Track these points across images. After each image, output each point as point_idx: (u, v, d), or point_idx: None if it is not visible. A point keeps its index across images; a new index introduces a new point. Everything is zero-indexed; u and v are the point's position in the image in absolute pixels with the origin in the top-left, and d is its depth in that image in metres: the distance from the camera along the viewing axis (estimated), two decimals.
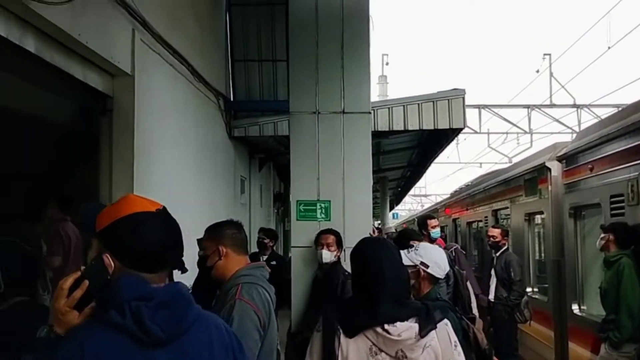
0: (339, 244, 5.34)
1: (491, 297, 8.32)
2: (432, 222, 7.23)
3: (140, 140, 6.66)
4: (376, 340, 2.36)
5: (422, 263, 3.31)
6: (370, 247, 2.61)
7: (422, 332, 2.37)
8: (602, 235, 5.72)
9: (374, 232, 5.77)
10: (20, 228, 2.73)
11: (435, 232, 7.13)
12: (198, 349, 1.73)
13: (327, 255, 5.30)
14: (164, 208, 1.87)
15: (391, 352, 2.35)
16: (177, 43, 8.01)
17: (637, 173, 5.69)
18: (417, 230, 7.02)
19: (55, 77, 5.71)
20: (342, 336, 2.39)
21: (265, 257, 7.92)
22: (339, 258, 5.33)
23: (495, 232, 8.53)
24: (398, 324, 2.36)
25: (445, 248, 6.98)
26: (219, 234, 3.13)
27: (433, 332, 2.39)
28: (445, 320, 2.50)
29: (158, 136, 7.36)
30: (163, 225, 1.82)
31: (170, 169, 7.86)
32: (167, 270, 1.84)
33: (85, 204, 2.81)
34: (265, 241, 7.66)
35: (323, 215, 5.60)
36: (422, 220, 7.38)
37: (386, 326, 2.35)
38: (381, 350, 2.36)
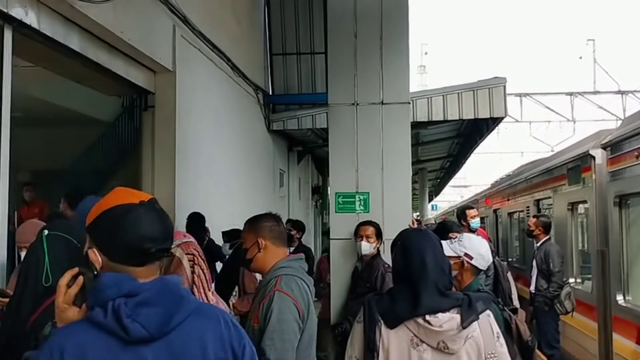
0: (379, 235, 5.33)
1: (532, 288, 8.21)
2: (472, 212, 7.14)
3: (182, 135, 6.78)
4: (417, 331, 2.37)
5: (466, 254, 3.28)
6: (412, 238, 2.61)
7: (465, 323, 2.35)
8: None
9: (413, 223, 5.73)
10: (70, 224, 2.78)
11: (475, 223, 7.04)
12: (187, 345, 1.69)
13: (367, 247, 5.30)
14: (151, 200, 1.80)
15: (433, 344, 2.35)
16: (217, 38, 8.11)
17: None
18: (456, 221, 6.96)
19: (99, 74, 5.85)
20: (383, 327, 2.40)
21: (292, 249, 7.95)
22: (378, 250, 5.31)
23: (531, 222, 8.39)
24: (440, 314, 2.35)
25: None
26: (258, 227, 3.13)
27: (475, 323, 2.38)
28: (488, 312, 2.49)
29: (198, 131, 7.48)
30: (147, 217, 1.75)
31: (210, 163, 7.98)
32: (156, 264, 1.78)
33: (83, 199, 2.87)
34: (292, 232, 7.68)
35: (362, 207, 5.59)
36: (462, 210, 7.30)
37: (427, 317, 2.35)
38: (422, 342, 2.36)
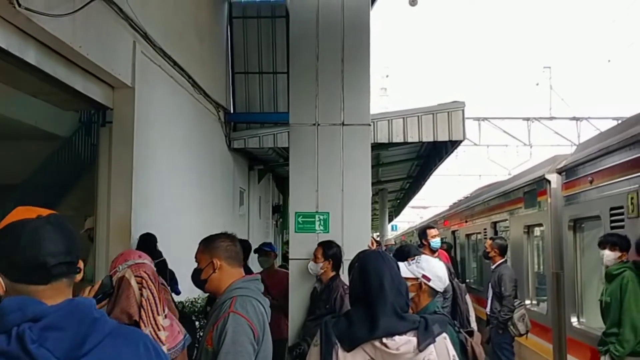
0: (327, 256, 5.27)
1: (487, 310, 8.29)
2: (432, 231, 7.18)
3: (140, 151, 6.68)
4: (374, 354, 2.35)
5: (423, 276, 3.28)
6: (370, 259, 2.59)
7: (421, 346, 2.34)
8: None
9: (372, 244, 5.72)
10: None
11: (435, 242, 7.08)
12: None
13: (312, 267, 5.31)
14: (51, 215, 1.68)
15: None
16: (178, 55, 8.05)
17: (637, 185, 5.69)
18: (417, 241, 6.98)
19: (56, 88, 5.73)
20: (340, 350, 2.37)
21: None
22: (337, 271, 5.27)
23: (487, 244, 8.48)
24: (397, 337, 2.34)
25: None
26: (212, 247, 3.08)
27: (432, 346, 2.37)
28: (444, 334, 2.49)
29: (157, 147, 7.38)
30: (44, 230, 1.62)
31: (169, 180, 7.87)
32: (64, 281, 1.65)
33: None
34: None
35: (322, 227, 5.57)
36: (423, 230, 7.33)
37: (384, 340, 2.33)
38: None
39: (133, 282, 2.82)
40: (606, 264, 5.69)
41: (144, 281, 2.85)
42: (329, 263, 5.22)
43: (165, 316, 2.87)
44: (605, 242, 5.74)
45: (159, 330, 2.78)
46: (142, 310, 2.78)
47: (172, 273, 6.56)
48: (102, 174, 6.62)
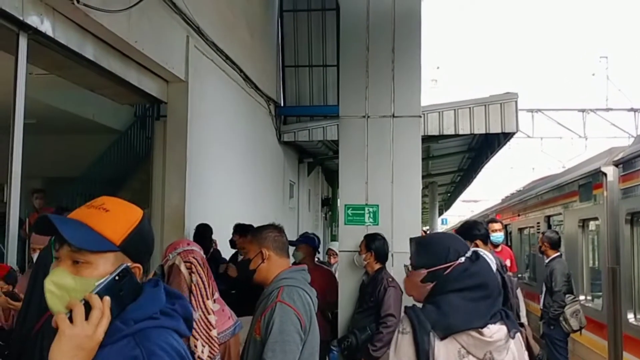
0: (369, 248, 5.27)
1: (541, 304, 8.17)
2: (495, 225, 7.06)
3: (193, 145, 6.81)
4: (466, 342, 2.35)
5: None
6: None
7: (511, 333, 2.37)
8: None
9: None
10: None
11: (496, 237, 6.96)
12: None
13: (357, 258, 5.38)
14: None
15: (479, 355, 2.33)
16: (230, 49, 8.16)
17: None
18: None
19: (112, 82, 5.90)
20: (433, 338, 2.37)
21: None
22: (383, 264, 5.27)
23: (540, 238, 8.31)
24: (490, 325, 2.34)
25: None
26: (261, 237, 3.13)
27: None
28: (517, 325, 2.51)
29: (210, 141, 7.50)
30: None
31: (221, 173, 8.00)
32: None
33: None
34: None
35: (371, 220, 5.58)
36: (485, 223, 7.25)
37: (480, 328, 2.35)
38: (469, 353, 2.34)
39: (183, 268, 2.91)
40: None
41: (193, 267, 2.93)
42: (371, 255, 5.23)
43: (215, 301, 2.94)
44: None
45: (209, 314, 2.86)
46: (191, 295, 2.86)
47: (225, 260, 6.69)
48: (156, 167, 6.78)
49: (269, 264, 3.06)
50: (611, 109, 19.82)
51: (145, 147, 7.68)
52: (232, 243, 6.52)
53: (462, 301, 2.38)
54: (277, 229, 3.23)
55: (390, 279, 5.12)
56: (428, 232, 22.54)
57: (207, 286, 2.92)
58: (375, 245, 5.25)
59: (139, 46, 5.61)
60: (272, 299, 2.90)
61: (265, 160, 10.61)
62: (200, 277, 2.90)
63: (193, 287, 2.87)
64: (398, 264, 5.39)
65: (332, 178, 17.16)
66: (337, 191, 15.05)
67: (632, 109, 19.32)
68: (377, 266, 5.25)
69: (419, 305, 2.48)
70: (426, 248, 2.52)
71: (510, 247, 14.55)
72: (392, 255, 5.40)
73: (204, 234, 6.34)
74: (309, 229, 14.95)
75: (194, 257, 2.97)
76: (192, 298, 2.85)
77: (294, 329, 2.80)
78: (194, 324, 2.75)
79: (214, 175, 7.67)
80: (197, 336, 2.77)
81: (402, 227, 5.50)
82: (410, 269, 2.51)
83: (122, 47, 5.55)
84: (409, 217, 5.59)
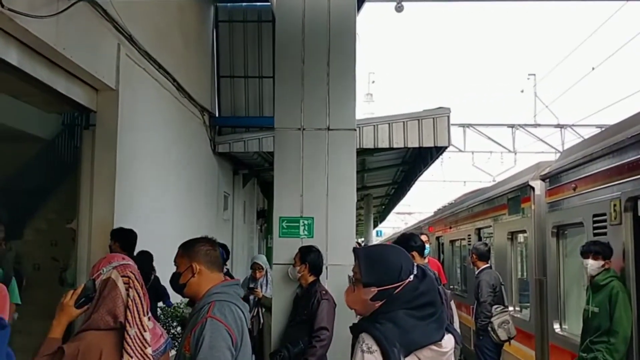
0: (303, 259, 5.26)
1: (472, 316, 8.33)
2: (421, 237, 7.16)
3: (123, 155, 6.63)
4: (425, 356, 2.33)
5: None
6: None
7: (458, 341, 2.43)
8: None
9: None
10: None
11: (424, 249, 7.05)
12: None
13: (291, 271, 5.35)
14: None
15: None
16: (163, 58, 8.01)
17: (619, 193, 5.73)
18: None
19: (38, 90, 5.68)
20: (399, 355, 2.33)
21: None
22: (317, 276, 5.25)
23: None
24: (445, 336, 2.36)
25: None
26: (192, 251, 3.06)
27: None
28: None
29: (141, 151, 7.33)
30: None
31: (152, 184, 7.82)
32: None
33: None
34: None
35: (306, 232, 5.56)
36: (411, 236, 7.31)
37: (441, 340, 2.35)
38: None
39: (120, 283, 2.79)
40: (591, 273, 5.67)
41: (130, 281, 2.82)
42: (306, 267, 5.22)
43: (149, 318, 2.83)
44: (589, 252, 5.73)
45: (145, 331, 2.75)
46: (128, 311, 2.74)
47: (164, 288, 6.51)
48: (84, 177, 6.56)
49: (199, 279, 2.99)
50: (539, 125, 20.52)
51: (73, 157, 7.41)
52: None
53: (414, 318, 2.38)
54: (209, 242, 3.15)
55: (324, 292, 5.11)
56: (363, 244, 22.70)
57: (143, 302, 2.80)
58: (310, 258, 5.24)
59: (67, 53, 5.43)
60: (202, 314, 2.83)
61: (199, 172, 10.44)
62: (137, 293, 2.79)
63: (130, 302, 2.75)
64: (332, 277, 5.39)
65: (268, 190, 17.07)
66: (272, 203, 15.00)
67: (558, 125, 20.08)
68: (312, 279, 5.23)
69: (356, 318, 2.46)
70: (377, 265, 2.44)
71: (438, 259, 14.83)
72: (326, 267, 5.39)
73: (143, 262, 6.04)
74: (244, 241, 14.79)
75: (131, 272, 2.85)
76: (129, 314, 2.73)
77: (225, 344, 2.73)
78: (130, 340, 2.66)
79: (144, 186, 7.48)
80: (132, 353, 2.65)
81: (337, 239, 5.50)
82: (354, 282, 2.45)
83: (50, 53, 5.35)
84: (343, 230, 5.59)
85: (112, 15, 6.36)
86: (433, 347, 2.33)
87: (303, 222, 5.59)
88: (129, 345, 2.66)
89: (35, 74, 5.33)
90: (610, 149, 5.99)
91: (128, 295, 2.77)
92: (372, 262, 2.45)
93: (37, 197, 9.11)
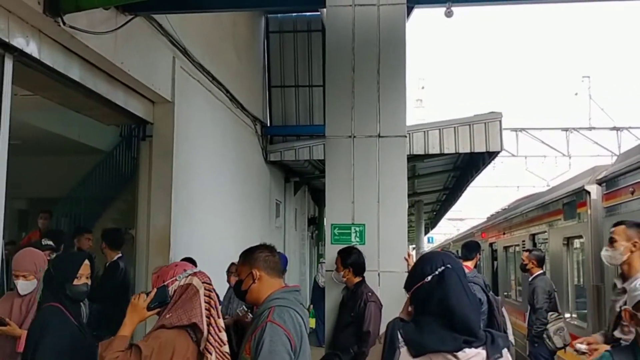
0: (345, 264, 5.27)
1: (526, 323, 8.20)
2: None
3: (179, 165, 6.80)
4: None
5: None
6: (451, 275, 2.47)
7: (492, 358, 2.33)
8: None
9: (409, 256, 5.71)
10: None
11: None
12: None
13: (335, 276, 5.36)
14: None
15: None
16: (216, 70, 8.19)
17: None
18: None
19: (98, 103, 5.90)
20: (405, 354, 2.36)
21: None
22: (363, 278, 5.26)
23: (524, 256, 8.36)
24: (467, 349, 2.32)
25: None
26: (252, 258, 3.15)
27: None
28: (506, 349, 2.47)
29: (196, 161, 7.50)
30: None
31: (207, 193, 7.99)
32: None
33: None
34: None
35: (358, 239, 5.58)
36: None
37: (456, 352, 2.31)
38: None
39: (201, 289, 2.99)
40: None
41: (211, 287, 3.03)
42: (349, 271, 5.22)
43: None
44: None
45: (220, 332, 2.96)
46: (210, 314, 2.96)
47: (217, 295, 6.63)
48: (142, 187, 6.76)
49: (260, 285, 3.07)
50: (594, 128, 20.04)
51: (131, 168, 7.65)
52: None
53: (435, 324, 2.39)
54: (269, 248, 3.23)
55: (370, 293, 5.10)
56: (414, 250, 22.57)
57: (217, 306, 3.04)
58: (352, 260, 5.23)
59: (125, 67, 5.63)
60: (262, 319, 2.91)
61: (252, 180, 10.61)
62: (212, 298, 3.03)
63: (209, 306, 2.98)
64: (385, 283, 5.40)
65: (318, 197, 17.18)
66: (323, 210, 15.08)
67: (614, 128, 19.56)
68: (357, 279, 5.22)
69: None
70: (410, 272, 2.57)
71: (492, 265, 14.59)
72: (378, 274, 5.41)
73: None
74: (296, 248, 14.91)
75: (208, 278, 3.09)
76: (210, 317, 2.96)
77: (284, 349, 2.80)
78: (210, 338, 2.90)
79: (200, 195, 7.66)
80: (211, 349, 2.89)
81: (389, 246, 5.51)
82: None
83: (109, 68, 5.56)
84: (395, 236, 5.59)
85: (167, 29, 6.56)
86: (448, 355, 2.32)
87: (355, 229, 5.62)
88: (210, 344, 2.88)
89: (96, 89, 5.54)
90: None
91: (210, 299, 2.99)
92: (410, 270, 2.60)
93: (98, 207, 9.42)
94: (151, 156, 6.73)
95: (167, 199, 6.62)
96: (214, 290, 3.06)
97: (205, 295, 2.97)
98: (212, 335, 2.90)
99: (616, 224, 4.44)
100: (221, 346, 2.92)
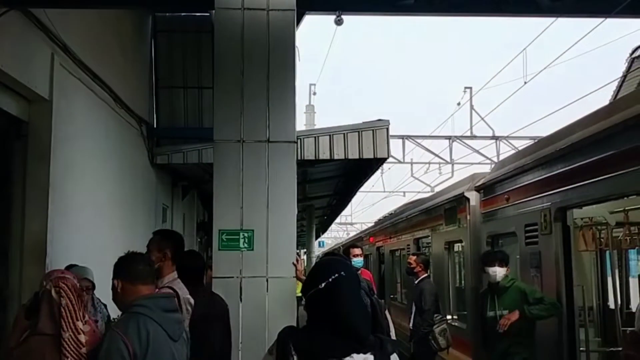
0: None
1: (411, 324, 8.44)
2: (355, 250, 7.29)
3: (57, 167, 6.44)
4: None
5: None
6: (342, 284, 2.44)
7: (395, 349, 2.42)
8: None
9: (297, 262, 5.72)
10: None
11: (357, 262, 7.16)
12: None
13: None
14: None
15: None
16: (99, 68, 7.84)
17: (549, 203, 5.95)
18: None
19: None
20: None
21: None
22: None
23: (411, 259, 8.64)
24: (354, 355, 2.34)
25: None
26: (116, 268, 3.34)
27: None
28: (395, 354, 2.50)
29: (76, 163, 7.15)
30: None
31: (88, 197, 7.63)
32: None
33: None
34: None
35: (246, 245, 5.52)
36: (346, 249, 7.46)
37: (343, 358, 2.33)
38: None
39: (53, 292, 3.22)
40: (497, 279, 6.13)
41: (62, 291, 3.22)
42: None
43: (85, 322, 3.26)
44: (494, 260, 6.23)
45: (79, 334, 3.17)
46: (62, 317, 3.15)
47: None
48: (15, 191, 6.34)
49: (122, 293, 3.25)
50: (475, 137, 21.06)
51: (2, 170, 7.15)
52: None
53: (326, 330, 2.40)
54: (133, 257, 3.41)
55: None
56: (304, 255, 22.72)
57: (77, 309, 3.23)
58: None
59: None
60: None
61: (137, 183, 10.24)
62: (70, 301, 3.21)
63: (62, 309, 3.16)
64: (273, 289, 5.38)
65: (208, 202, 16.86)
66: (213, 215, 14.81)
67: (494, 137, 20.65)
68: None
69: None
70: (306, 276, 2.66)
71: (379, 268, 14.99)
72: (267, 280, 5.38)
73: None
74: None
75: (63, 283, 3.26)
76: (62, 320, 3.15)
77: (119, 356, 2.93)
78: (64, 343, 3.10)
79: (81, 198, 7.29)
80: (68, 354, 3.09)
81: (278, 251, 5.49)
82: None
83: None
84: (284, 242, 5.59)
85: (46, 24, 6.20)
86: None
87: (243, 234, 5.55)
88: (64, 347, 3.10)
89: None
90: (540, 161, 6.22)
91: (61, 303, 3.19)
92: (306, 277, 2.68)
93: None
94: (26, 157, 6.33)
95: (44, 202, 6.25)
96: (73, 294, 3.26)
97: (63, 298, 3.20)
98: (65, 340, 3.11)
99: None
100: (79, 348, 3.12)
